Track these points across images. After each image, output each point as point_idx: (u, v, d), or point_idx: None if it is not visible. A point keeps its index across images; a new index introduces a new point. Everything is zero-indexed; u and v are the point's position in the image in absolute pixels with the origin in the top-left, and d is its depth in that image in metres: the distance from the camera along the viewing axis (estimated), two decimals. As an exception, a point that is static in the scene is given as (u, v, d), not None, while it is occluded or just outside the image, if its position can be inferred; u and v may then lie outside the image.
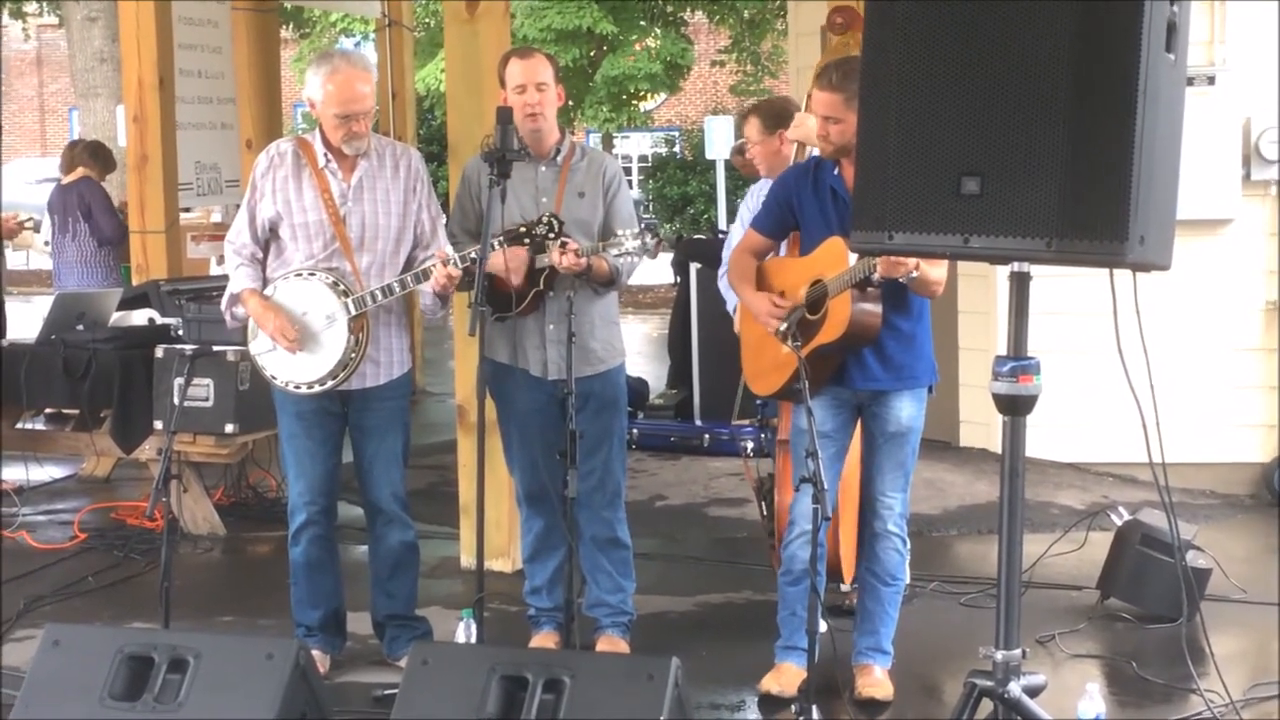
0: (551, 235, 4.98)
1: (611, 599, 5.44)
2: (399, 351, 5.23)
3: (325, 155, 5.09)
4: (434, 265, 4.96)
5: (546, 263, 5.07)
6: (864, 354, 4.90)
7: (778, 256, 5.26)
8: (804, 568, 4.92)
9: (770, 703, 5.03)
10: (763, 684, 5.09)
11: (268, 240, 5.14)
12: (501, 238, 4.94)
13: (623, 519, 5.47)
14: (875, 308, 4.82)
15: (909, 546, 5.11)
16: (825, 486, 4.35)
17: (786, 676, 5.07)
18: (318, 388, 5.04)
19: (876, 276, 4.69)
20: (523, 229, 4.99)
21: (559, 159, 5.30)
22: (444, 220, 5.33)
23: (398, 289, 5.03)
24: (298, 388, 5.06)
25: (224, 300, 5.19)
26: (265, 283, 5.11)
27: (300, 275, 5.04)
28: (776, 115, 6.03)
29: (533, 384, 5.28)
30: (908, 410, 4.97)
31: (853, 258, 4.72)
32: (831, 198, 4.93)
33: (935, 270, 4.74)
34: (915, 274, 4.66)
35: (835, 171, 4.94)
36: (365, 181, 5.10)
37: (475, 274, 4.78)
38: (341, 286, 5.00)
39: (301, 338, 4.98)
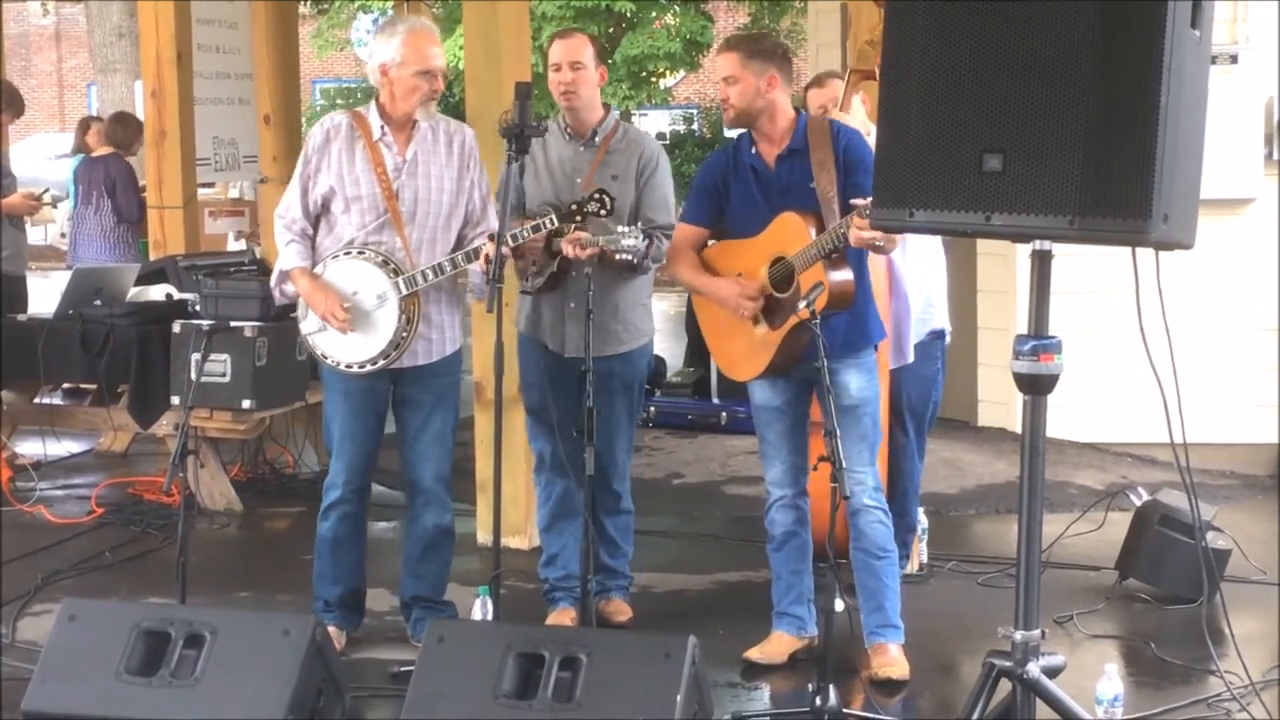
0: (604, 212, 4.99)
1: (613, 563, 5.55)
2: (451, 329, 5.19)
3: (381, 128, 5.06)
4: (484, 244, 4.92)
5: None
6: None
7: (719, 243, 5.12)
8: (784, 532, 5.03)
9: (787, 683, 5.02)
10: (748, 653, 5.10)
11: (318, 215, 5.11)
12: (552, 216, 4.99)
13: (627, 488, 5.57)
14: (848, 274, 4.76)
15: (890, 516, 5.05)
16: (843, 465, 4.35)
17: (773, 645, 5.11)
18: (370, 367, 5.01)
19: (853, 240, 4.52)
20: (574, 206, 5.00)
21: (598, 139, 5.29)
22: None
23: (448, 268, 4.99)
24: (349, 367, 5.03)
25: (273, 277, 5.17)
26: (315, 260, 5.09)
27: (350, 254, 5.00)
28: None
29: (552, 356, 5.32)
30: (855, 382, 4.91)
31: (812, 230, 4.68)
32: (753, 176, 4.89)
33: None
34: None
35: (753, 150, 4.90)
36: (420, 156, 5.06)
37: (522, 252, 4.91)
38: (391, 265, 4.96)
39: (353, 318, 4.94)
